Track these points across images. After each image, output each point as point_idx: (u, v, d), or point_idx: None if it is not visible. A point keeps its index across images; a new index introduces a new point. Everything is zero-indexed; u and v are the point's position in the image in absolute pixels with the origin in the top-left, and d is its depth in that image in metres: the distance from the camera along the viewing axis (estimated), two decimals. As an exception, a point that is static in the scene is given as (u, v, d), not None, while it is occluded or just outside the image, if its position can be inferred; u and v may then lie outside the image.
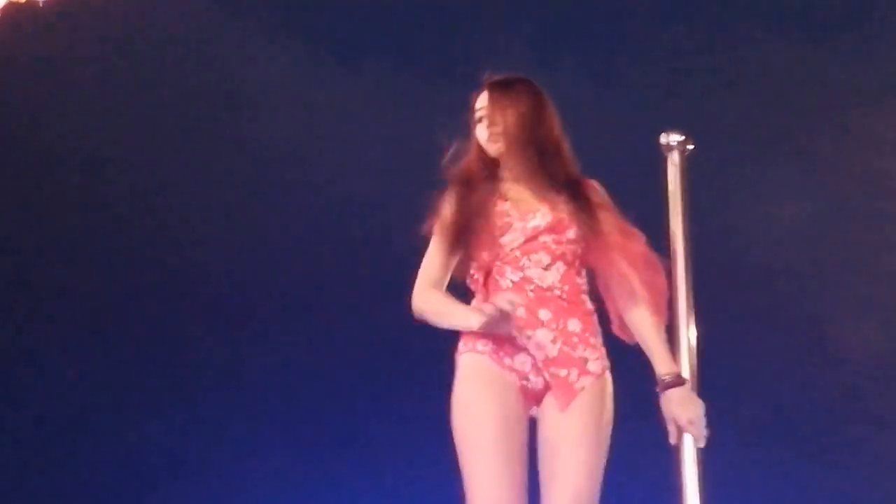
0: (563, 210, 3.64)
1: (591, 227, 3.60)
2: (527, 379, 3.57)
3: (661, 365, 3.52)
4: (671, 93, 5.85)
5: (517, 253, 3.60)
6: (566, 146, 3.71)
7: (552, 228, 3.62)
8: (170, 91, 6.09)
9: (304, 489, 6.06)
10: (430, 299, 3.62)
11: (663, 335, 3.59)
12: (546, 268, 3.60)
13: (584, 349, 3.58)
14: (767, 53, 5.93)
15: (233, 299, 6.16)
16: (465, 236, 3.61)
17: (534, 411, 3.60)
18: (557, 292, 3.59)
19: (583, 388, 3.54)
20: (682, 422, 3.46)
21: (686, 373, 3.59)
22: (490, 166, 3.72)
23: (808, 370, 5.91)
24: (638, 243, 3.64)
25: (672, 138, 3.79)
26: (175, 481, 6.09)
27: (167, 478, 6.10)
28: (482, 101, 3.73)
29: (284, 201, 6.14)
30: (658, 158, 3.80)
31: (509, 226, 3.61)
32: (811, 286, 5.99)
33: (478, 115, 3.73)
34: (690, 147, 3.81)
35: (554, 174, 3.66)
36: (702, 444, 3.48)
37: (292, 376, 6.09)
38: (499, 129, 3.67)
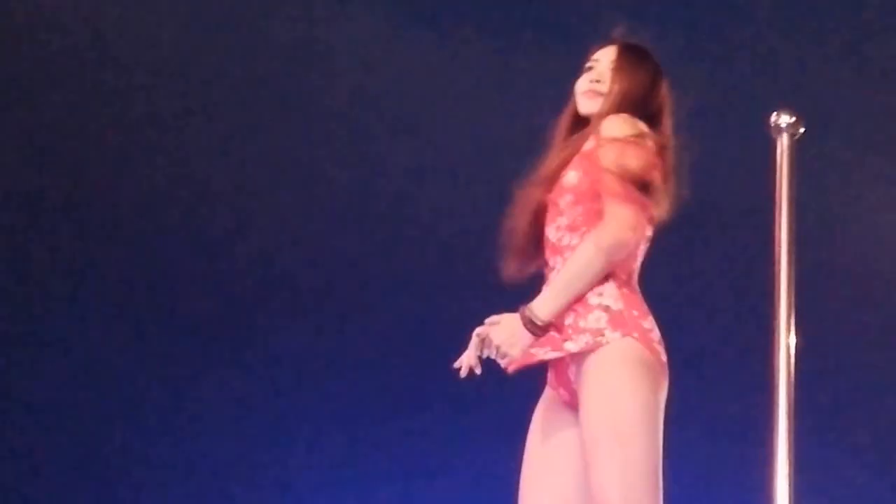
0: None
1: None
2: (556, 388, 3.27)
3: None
4: (785, 70, 5.52)
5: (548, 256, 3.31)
6: (669, 139, 3.32)
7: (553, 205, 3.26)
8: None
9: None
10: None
11: (569, 277, 3.12)
12: (556, 269, 3.24)
13: (565, 338, 3.13)
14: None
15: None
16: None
17: None
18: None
19: (577, 381, 3.13)
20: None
21: (783, 380, 3.26)
22: (575, 128, 3.36)
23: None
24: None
25: (782, 119, 3.46)
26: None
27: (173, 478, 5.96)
28: (600, 53, 3.39)
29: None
30: (765, 140, 3.45)
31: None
32: None
33: (588, 64, 3.39)
34: (802, 130, 3.47)
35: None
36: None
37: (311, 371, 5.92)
38: (603, 86, 3.32)
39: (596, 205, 3.17)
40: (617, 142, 3.15)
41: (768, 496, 3.19)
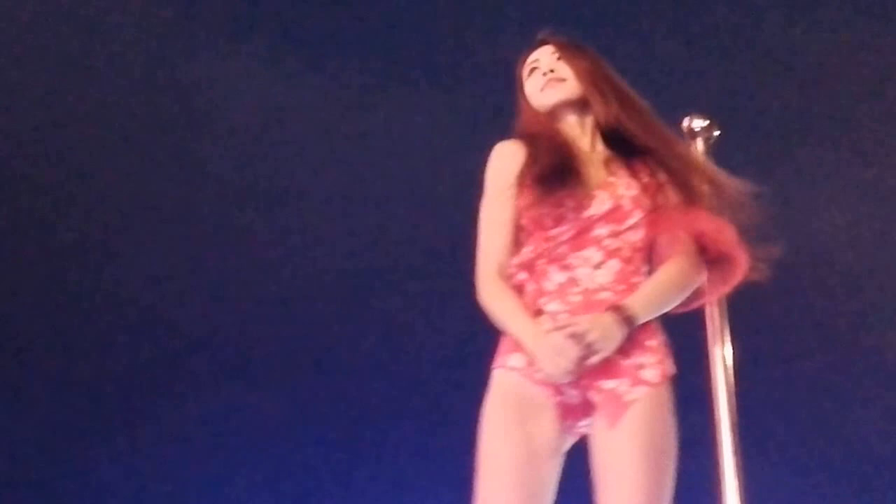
0: (627, 190, 3.18)
1: (659, 209, 3.15)
2: (561, 393, 3.06)
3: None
4: (696, 73, 5.51)
5: (565, 248, 3.12)
6: (644, 104, 3.28)
7: (609, 218, 3.14)
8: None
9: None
10: (495, 296, 3.13)
11: (672, 286, 3.10)
12: (597, 266, 3.12)
13: (640, 354, 3.06)
14: (802, 30, 5.61)
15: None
16: (551, 189, 3.12)
17: (583, 426, 3.09)
18: (608, 294, 3.10)
19: (635, 400, 3.02)
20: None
21: (721, 389, 3.27)
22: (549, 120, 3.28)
23: (856, 384, 5.52)
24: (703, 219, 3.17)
25: (695, 123, 3.51)
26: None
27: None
28: (536, 54, 3.32)
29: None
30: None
31: (562, 216, 3.13)
32: (838, 292, 5.63)
33: (530, 66, 3.31)
34: (716, 133, 3.52)
35: (634, 134, 3.20)
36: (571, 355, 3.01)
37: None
38: (560, 73, 3.25)
39: (662, 238, 3.15)
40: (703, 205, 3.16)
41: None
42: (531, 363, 3.03)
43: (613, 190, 3.14)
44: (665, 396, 3.04)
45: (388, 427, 5.67)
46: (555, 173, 3.12)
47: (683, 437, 3.09)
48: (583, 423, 3.07)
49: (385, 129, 5.68)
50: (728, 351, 3.27)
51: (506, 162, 3.19)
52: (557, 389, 3.04)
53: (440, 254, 5.25)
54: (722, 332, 3.28)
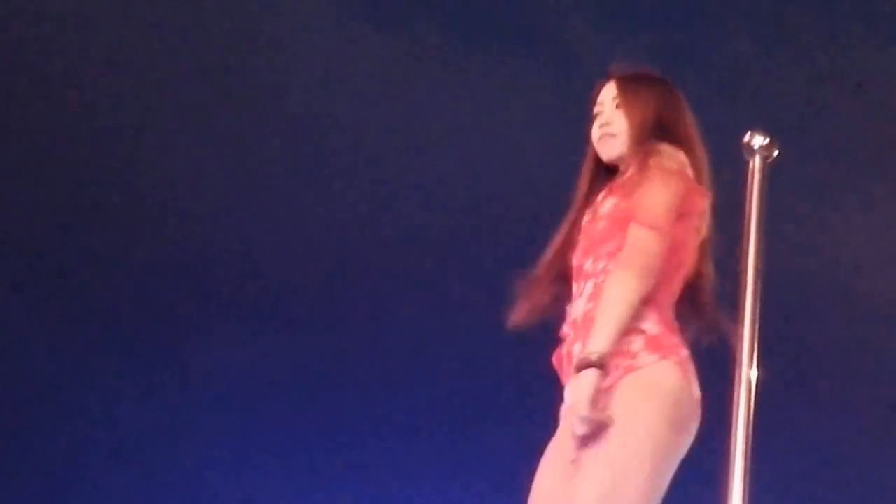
0: (602, 208, 3.20)
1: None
2: None
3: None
4: (760, 91, 5.45)
5: (573, 288, 3.18)
6: (701, 152, 3.28)
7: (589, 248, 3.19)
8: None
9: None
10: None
11: (611, 306, 3.01)
12: (583, 295, 3.15)
13: (617, 357, 3.02)
14: (876, 60, 5.47)
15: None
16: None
17: None
18: (585, 313, 3.12)
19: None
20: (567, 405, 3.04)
21: (741, 411, 3.11)
22: (600, 177, 3.29)
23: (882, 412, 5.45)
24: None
25: (756, 140, 3.38)
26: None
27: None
28: (602, 95, 3.31)
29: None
30: (739, 162, 3.36)
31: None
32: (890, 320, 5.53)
33: (595, 110, 3.31)
34: (776, 152, 3.39)
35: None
36: (577, 432, 3.00)
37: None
38: (614, 127, 3.24)
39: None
40: (649, 170, 3.12)
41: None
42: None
43: (595, 214, 3.20)
44: (625, 392, 3.00)
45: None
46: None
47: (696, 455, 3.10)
48: None
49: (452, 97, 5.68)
50: (754, 372, 3.18)
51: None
52: None
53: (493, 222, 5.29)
54: (751, 348, 3.19)
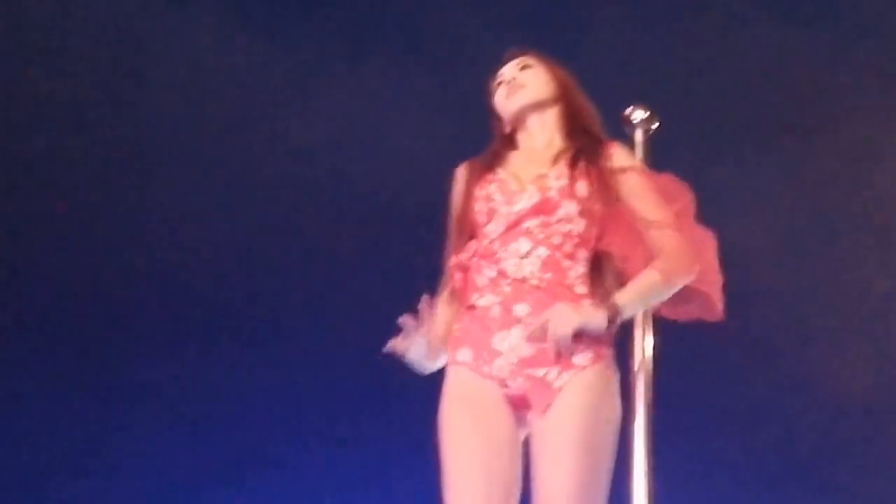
0: (557, 181, 3.24)
1: (604, 199, 3.20)
2: (506, 385, 3.11)
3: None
4: (640, 67, 5.53)
5: (496, 245, 3.19)
6: (592, 108, 3.39)
7: (538, 210, 3.20)
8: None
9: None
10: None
11: (653, 292, 3.16)
12: (524, 256, 3.17)
13: (574, 343, 3.09)
14: (750, 33, 5.67)
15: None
16: (463, 228, 3.28)
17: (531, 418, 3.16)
18: (535, 282, 3.15)
19: (564, 386, 3.06)
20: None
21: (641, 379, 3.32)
22: (508, 141, 3.39)
23: (762, 393, 5.59)
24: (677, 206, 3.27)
25: (636, 114, 3.55)
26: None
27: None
28: (502, 70, 3.44)
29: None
30: (619, 135, 3.48)
31: (494, 212, 3.22)
32: (771, 300, 5.66)
33: (497, 82, 3.42)
34: (655, 125, 3.56)
35: (573, 133, 3.32)
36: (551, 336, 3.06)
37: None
38: (521, 80, 3.35)
39: (598, 224, 3.19)
40: (641, 174, 3.26)
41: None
42: (478, 356, 3.11)
43: (543, 182, 3.21)
44: (597, 379, 3.08)
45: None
46: (458, 224, 3.27)
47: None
48: (530, 414, 3.10)
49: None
50: (649, 341, 3.33)
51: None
52: (503, 382, 3.10)
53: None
54: (644, 325, 3.33)
